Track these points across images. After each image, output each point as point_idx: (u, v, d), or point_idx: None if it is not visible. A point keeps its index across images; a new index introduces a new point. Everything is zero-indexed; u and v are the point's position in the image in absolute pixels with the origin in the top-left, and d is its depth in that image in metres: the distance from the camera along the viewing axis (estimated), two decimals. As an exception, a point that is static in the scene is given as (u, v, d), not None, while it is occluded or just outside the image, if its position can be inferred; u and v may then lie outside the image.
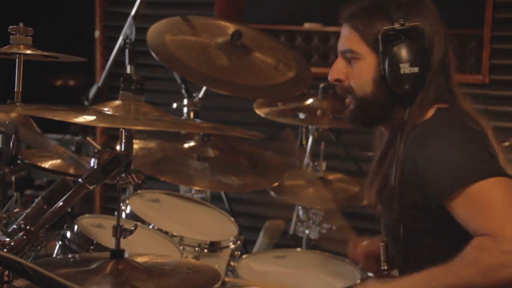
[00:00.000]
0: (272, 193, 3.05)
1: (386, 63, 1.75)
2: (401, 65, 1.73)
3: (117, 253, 1.71)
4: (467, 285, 1.61)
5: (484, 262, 1.58)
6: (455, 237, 1.70)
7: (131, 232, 1.73)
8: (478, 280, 1.59)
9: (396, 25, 1.74)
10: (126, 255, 1.73)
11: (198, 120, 3.21)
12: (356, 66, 1.83)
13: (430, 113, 1.80)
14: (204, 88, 3.22)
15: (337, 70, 1.86)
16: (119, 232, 1.70)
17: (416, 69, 1.73)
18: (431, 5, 1.85)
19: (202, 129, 2.29)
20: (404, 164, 1.79)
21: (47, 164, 2.65)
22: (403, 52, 1.73)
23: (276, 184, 2.96)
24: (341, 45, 1.86)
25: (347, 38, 1.84)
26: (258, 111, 3.11)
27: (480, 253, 1.59)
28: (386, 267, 1.97)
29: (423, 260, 1.80)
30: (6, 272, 1.41)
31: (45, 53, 1.98)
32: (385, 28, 1.75)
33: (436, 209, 1.71)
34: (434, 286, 1.65)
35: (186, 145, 2.93)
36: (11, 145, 1.90)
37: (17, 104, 1.97)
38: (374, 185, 1.93)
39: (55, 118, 1.48)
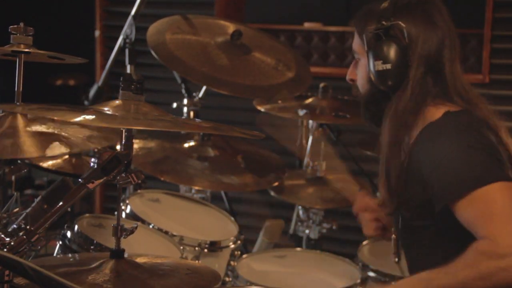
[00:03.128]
0: (272, 193, 3.05)
1: (369, 62, 1.86)
2: (375, 63, 1.83)
3: (117, 253, 1.71)
4: (465, 287, 1.62)
5: (482, 265, 1.60)
6: (456, 237, 1.72)
7: (131, 231, 1.73)
8: (476, 283, 1.61)
9: (378, 25, 1.83)
10: (125, 255, 1.73)
11: (198, 120, 3.22)
12: (358, 66, 1.95)
13: (437, 115, 1.81)
14: (204, 88, 3.22)
15: (350, 70, 1.99)
16: (119, 231, 1.70)
17: (388, 66, 1.81)
18: (435, 7, 1.87)
19: (202, 129, 2.29)
20: (409, 163, 1.80)
21: (47, 164, 2.65)
22: (378, 50, 1.82)
23: (276, 183, 2.96)
24: (352, 47, 1.98)
25: (354, 40, 1.96)
26: (258, 107, 3.12)
27: (479, 256, 1.62)
28: (396, 260, 1.99)
29: (423, 258, 1.81)
30: (7, 272, 1.41)
31: (50, 54, 1.99)
32: (367, 28, 1.85)
33: (439, 209, 1.73)
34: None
35: (186, 145, 2.94)
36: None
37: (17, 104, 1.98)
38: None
39: (55, 118, 1.48)
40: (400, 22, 1.81)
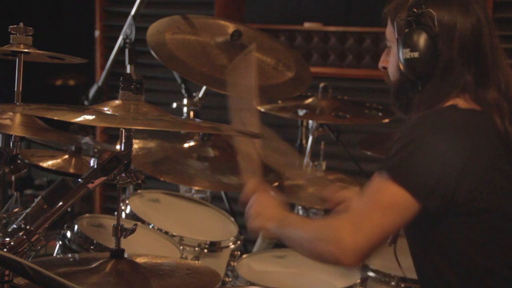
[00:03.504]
0: (272, 193, 3.04)
1: (398, 50, 1.83)
2: (404, 51, 1.80)
3: (117, 253, 1.71)
4: (303, 242, 1.78)
5: (327, 232, 1.72)
6: (447, 230, 1.72)
7: (131, 231, 1.73)
8: (302, 242, 1.78)
9: (409, 13, 1.80)
10: (125, 255, 1.73)
11: (198, 120, 3.22)
12: (390, 54, 1.93)
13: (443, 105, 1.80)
14: (204, 88, 3.22)
15: (382, 58, 1.97)
16: (119, 231, 1.70)
17: (415, 54, 1.79)
18: None
19: (202, 129, 2.29)
20: None
21: (47, 164, 2.65)
22: (407, 38, 1.80)
23: (275, 184, 2.96)
24: (385, 35, 1.96)
25: (387, 29, 1.94)
26: (258, 107, 3.11)
27: (326, 226, 1.77)
28: (389, 242, 1.98)
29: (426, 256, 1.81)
30: (7, 272, 1.41)
31: (50, 54, 1.99)
32: (399, 15, 1.83)
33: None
34: (286, 228, 1.84)
35: (186, 145, 2.94)
36: (11, 145, 1.90)
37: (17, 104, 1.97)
38: None
39: (55, 118, 1.48)
40: (431, 10, 1.78)
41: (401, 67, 1.83)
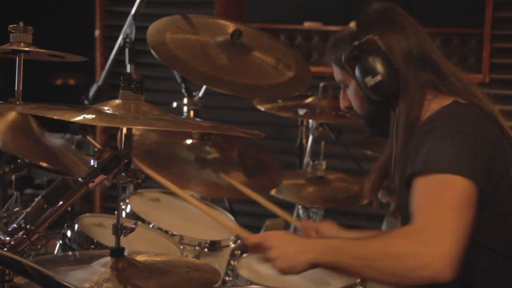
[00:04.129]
0: (272, 192, 3.05)
1: (358, 83, 1.87)
2: (366, 80, 1.84)
3: (117, 251, 1.71)
4: (370, 263, 1.59)
5: (398, 243, 1.58)
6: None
7: (131, 230, 1.73)
8: (382, 260, 1.57)
9: (352, 48, 1.85)
10: (125, 253, 1.73)
11: (198, 119, 3.21)
12: (348, 92, 1.97)
13: (434, 108, 1.82)
14: (204, 87, 3.22)
15: (342, 100, 2.01)
16: (119, 229, 1.70)
17: (378, 78, 1.83)
18: (397, 13, 1.91)
19: (202, 128, 2.29)
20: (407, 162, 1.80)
21: (47, 163, 2.65)
22: (362, 68, 1.84)
23: (275, 190, 2.95)
24: (335, 78, 2.01)
25: (334, 72, 1.99)
26: (258, 107, 3.12)
27: (399, 237, 1.60)
28: None
29: None
30: (7, 271, 1.41)
31: (51, 53, 1.99)
32: (343, 54, 1.87)
33: (405, 184, 1.74)
34: (342, 255, 1.63)
35: (186, 143, 2.93)
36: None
37: (17, 101, 1.97)
38: (374, 180, 2.00)
39: (55, 117, 1.48)
40: (371, 36, 1.83)
41: (370, 95, 1.85)
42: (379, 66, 1.83)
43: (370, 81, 1.83)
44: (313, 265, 1.66)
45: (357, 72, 1.85)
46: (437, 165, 1.65)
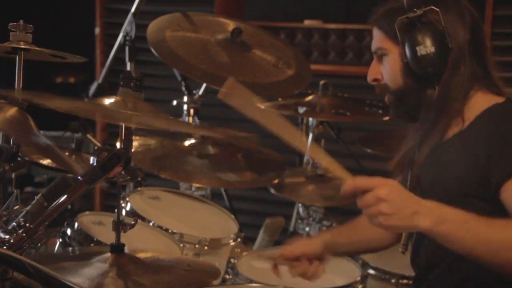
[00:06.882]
0: (272, 191, 3.05)
1: (406, 50, 1.82)
2: (417, 48, 1.79)
3: (117, 247, 1.71)
4: (497, 249, 1.55)
5: None
6: None
7: (131, 226, 1.72)
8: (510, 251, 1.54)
9: (410, 14, 1.81)
10: (126, 250, 1.73)
11: (196, 119, 3.22)
12: (386, 62, 1.90)
13: (496, 100, 1.81)
14: (204, 85, 3.22)
15: (373, 70, 1.94)
16: (120, 226, 1.70)
17: (432, 49, 1.78)
18: None
19: (197, 130, 2.29)
20: (462, 145, 1.79)
21: (47, 161, 2.65)
22: (418, 36, 1.80)
23: (276, 181, 2.96)
24: (372, 46, 1.94)
25: (376, 38, 1.92)
26: (258, 105, 3.11)
27: None
28: (403, 251, 1.94)
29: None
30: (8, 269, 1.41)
31: (51, 52, 1.98)
32: (399, 18, 1.82)
33: (495, 186, 1.69)
34: (467, 233, 1.55)
35: (186, 143, 2.93)
36: (11, 142, 1.90)
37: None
38: (405, 164, 1.94)
39: (53, 107, 1.47)
40: (434, 7, 1.79)
41: (412, 67, 1.81)
42: (434, 39, 1.79)
43: (422, 50, 1.78)
44: (428, 232, 1.54)
45: (408, 39, 1.80)
46: None
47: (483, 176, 1.71)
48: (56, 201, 1.55)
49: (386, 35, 1.88)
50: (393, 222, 1.51)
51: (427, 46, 1.78)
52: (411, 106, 1.89)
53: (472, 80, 1.83)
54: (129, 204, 2.62)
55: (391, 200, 1.50)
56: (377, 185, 1.52)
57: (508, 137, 1.72)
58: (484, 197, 1.73)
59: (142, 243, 2.36)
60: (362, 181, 1.54)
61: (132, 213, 2.57)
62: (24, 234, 1.51)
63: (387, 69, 1.90)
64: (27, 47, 1.95)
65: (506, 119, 1.76)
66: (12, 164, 2.06)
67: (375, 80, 1.94)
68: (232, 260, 2.59)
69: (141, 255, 1.79)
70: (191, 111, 3.22)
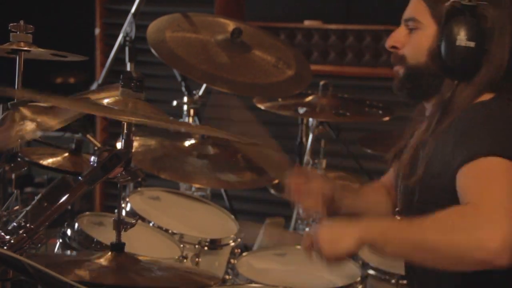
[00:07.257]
0: (272, 191, 3.05)
1: (445, 34, 1.76)
2: (458, 37, 1.73)
3: (118, 246, 1.71)
4: (427, 243, 1.53)
5: (455, 220, 1.52)
6: None
7: (132, 225, 1.73)
8: (437, 236, 1.52)
9: (464, 1, 1.74)
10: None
11: (196, 120, 3.22)
12: (415, 35, 1.84)
13: (484, 98, 1.77)
14: (204, 86, 3.22)
15: (396, 37, 1.88)
16: (120, 225, 1.70)
17: (472, 44, 1.73)
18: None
19: (195, 131, 2.29)
20: (443, 144, 1.75)
21: (47, 162, 2.65)
22: (464, 27, 1.73)
23: (276, 181, 2.96)
24: (407, 13, 1.87)
25: (414, 7, 1.85)
26: (258, 105, 3.12)
27: (455, 214, 1.54)
28: None
29: None
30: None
31: (51, 52, 1.98)
32: (452, 1, 1.76)
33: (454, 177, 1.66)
34: (392, 234, 1.59)
35: (186, 143, 2.93)
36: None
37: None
38: (402, 153, 1.91)
39: (51, 103, 1.47)
40: (487, 3, 1.74)
41: (446, 52, 1.75)
42: (478, 35, 1.72)
43: (461, 41, 1.72)
44: (361, 244, 1.60)
45: (452, 25, 1.73)
46: (484, 149, 1.60)
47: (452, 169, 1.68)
48: (57, 201, 1.55)
49: (429, 10, 1.80)
50: (329, 249, 1.63)
51: (468, 39, 1.72)
52: (421, 87, 1.85)
53: (491, 84, 1.77)
54: (129, 205, 2.62)
55: (321, 236, 1.64)
56: (313, 235, 1.66)
57: (471, 124, 1.69)
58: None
59: (142, 244, 2.36)
60: (308, 239, 1.69)
61: (132, 214, 2.57)
62: (24, 235, 1.51)
63: (414, 43, 1.84)
64: (28, 48, 1.96)
65: (477, 109, 1.73)
66: (12, 165, 2.06)
67: (394, 47, 1.88)
68: (232, 261, 2.59)
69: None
70: (191, 111, 3.22)
